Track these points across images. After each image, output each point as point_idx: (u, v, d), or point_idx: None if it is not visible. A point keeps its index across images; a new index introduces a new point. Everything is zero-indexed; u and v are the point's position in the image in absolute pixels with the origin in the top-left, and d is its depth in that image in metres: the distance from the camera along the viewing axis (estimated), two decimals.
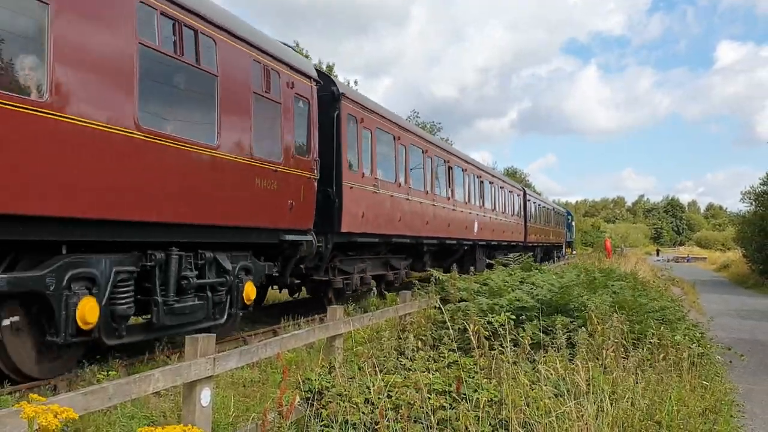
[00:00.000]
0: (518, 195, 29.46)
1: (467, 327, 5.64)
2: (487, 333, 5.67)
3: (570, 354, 5.59)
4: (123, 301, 6.68)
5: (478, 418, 4.13)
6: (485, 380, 4.80)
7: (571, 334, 6.12)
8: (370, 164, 12.71)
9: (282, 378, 4.28)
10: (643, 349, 6.13)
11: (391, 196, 13.55)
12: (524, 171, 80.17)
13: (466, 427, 3.99)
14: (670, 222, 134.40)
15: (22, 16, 5.66)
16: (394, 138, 14.13)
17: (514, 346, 5.40)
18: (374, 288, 13.14)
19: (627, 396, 4.61)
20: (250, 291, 8.83)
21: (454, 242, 18.46)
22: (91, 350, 6.94)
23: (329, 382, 4.64)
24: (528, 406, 4.24)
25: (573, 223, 54.78)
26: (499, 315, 6.27)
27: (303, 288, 12.47)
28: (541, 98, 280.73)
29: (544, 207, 37.66)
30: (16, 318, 5.92)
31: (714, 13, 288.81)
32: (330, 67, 35.52)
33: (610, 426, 4.16)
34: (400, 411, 4.10)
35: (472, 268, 18.25)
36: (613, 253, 38.07)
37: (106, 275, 6.47)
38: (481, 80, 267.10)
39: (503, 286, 8.09)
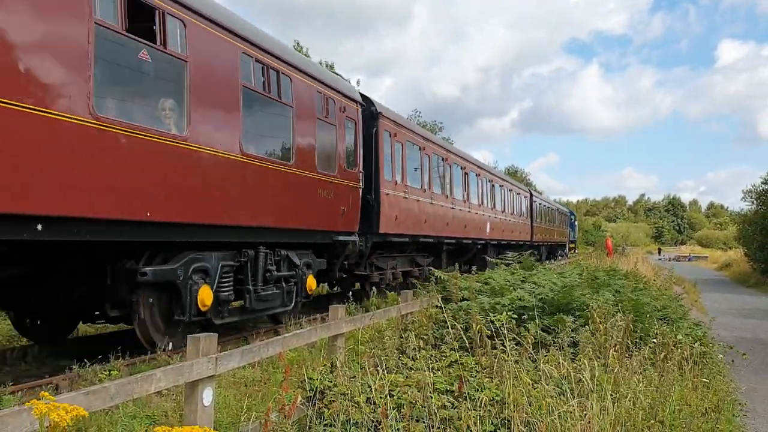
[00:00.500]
0: (525, 197, 30.87)
1: (469, 326, 5.64)
2: (488, 332, 5.67)
3: (572, 353, 5.58)
4: (226, 289, 8.31)
5: (480, 417, 4.13)
6: (487, 379, 4.79)
7: (574, 333, 6.11)
8: (402, 173, 14.36)
9: (284, 377, 4.28)
10: (645, 348, 6.12)
11: (418, 200, 15.18)
12: (525, 170, 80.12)
13: (468, 427, 3.99)
14: (672, 221, 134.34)
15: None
16: (420, 149, 15.84)
17: (516, 345, 5.39)
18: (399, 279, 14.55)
19: (629, 395, 4.60)
20: (311, 283, 10.54)
21: (470, 242, 20.00)
22: (203, 328, 8.09)
23: (331, 382, 4.64)
24: (530, 405, 4.24)
25: (576, 223, 55.31)
26: (501, 314, 6.27)
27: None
28: (543, 97, 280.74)
29: (548, 208, 38.86)
30: (151, 301, 7.46)
31: (715, 12, 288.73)
32: (330, 66, 35.57)
33: (612, 425, 4.15)
34: (402, 410, 4.10)
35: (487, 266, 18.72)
36: (614, 252, 38.08)
37: (215, 268, 8.08)
38: (483, 79, 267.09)
39: (505, 285, 8.08)
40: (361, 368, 4.91)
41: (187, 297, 7.50)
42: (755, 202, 30.87)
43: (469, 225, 19.72)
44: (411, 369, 5.08)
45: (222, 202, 7.81)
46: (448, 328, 6.14)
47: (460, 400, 4.31)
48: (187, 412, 3.77)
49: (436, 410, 4.17)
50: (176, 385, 3.62)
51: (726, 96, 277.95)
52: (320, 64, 33.43)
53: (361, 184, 11.98)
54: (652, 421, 4.41)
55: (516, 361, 4.99)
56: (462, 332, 5.95)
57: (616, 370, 5.06)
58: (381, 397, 4.29)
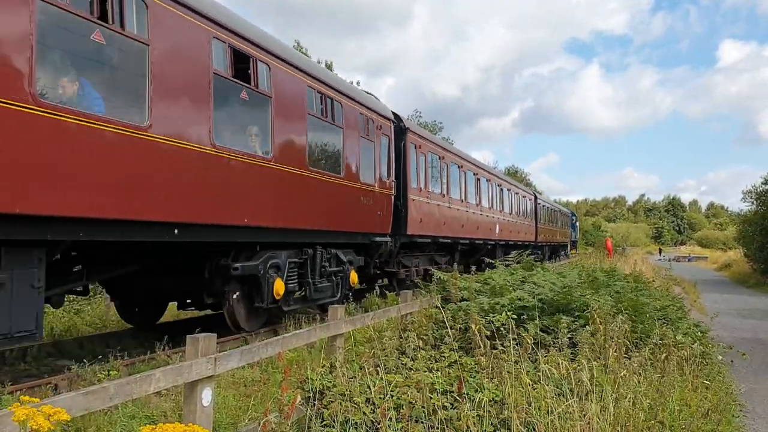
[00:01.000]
0: (530, 199, 32.36)
1: (468, 326, 5.63)
2: (488, 332, 5.66)
3: (572, 354, 5.57)
4: (292, 281, 9.89)
5: (480, 417, 4.12)
6: (487, 380, 4.78)
7: (573, 333, 6.10)
8: (425, 180, 15.97)
9: (283, 377, 4.27)
10: (645, 349, 6.11)
11: (438, 205, 16.80)
12: (525, 170, 79.96)
13: (468, 427, 3.98)
14: (671, 221, 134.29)
15: None
16: (440, 158, 17.49)
17: (516, 345, 5.38)
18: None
19: (629, 395, 4.59)
20: (353, 277, 12.09)
21: (481, 242, 21.55)
22: (274, 315, 10.20)
23: (330, 382, 4.63)
24: (530, 405, 4.23)
25: (577, 224, 55.90)
26: (501, 314, 6.26)
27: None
28: (543, 97, 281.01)
29: (551, 209, 40.15)
30: (238, 292, 8.93)
31: (716, 13, 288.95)
32: (329, 65, 35.59)
33: (612, 425, 4.15)
34: (402, 411, 4.09)
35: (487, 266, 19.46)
36: (614, 252, 38.06)
37: (284, 264, 9.63)
38: (483, 79, 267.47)
39: (504, 285, 8.07)
40: (361, 368, 4.91)
41: (265, 288, 9.10)
42: (755, 202, 30.86)
43: (481, 227, 21.31)
44: (410, 369, 5.07)
45: (293, 210, 9.43)
46: (447, 328, 6.13)
47: (460, 400, 4.30)
48: (186, 412, 3.76)
49: (435, 411, 4.16)
50: (175, 385, 3.62)
51: (727, 96, 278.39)
52: (319, 62, 33.49)
53: (393, 191, 13.67)
54: (652, 422, 4.40)
55: (516, 362, 4.98)
56: (461, 332, 5.95)
57: (616, 371, 5.06)
58: (380, 398, 4.29)
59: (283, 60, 9.19)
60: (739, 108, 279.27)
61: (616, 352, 5.52)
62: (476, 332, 5.48)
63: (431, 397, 4.27)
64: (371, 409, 4.19)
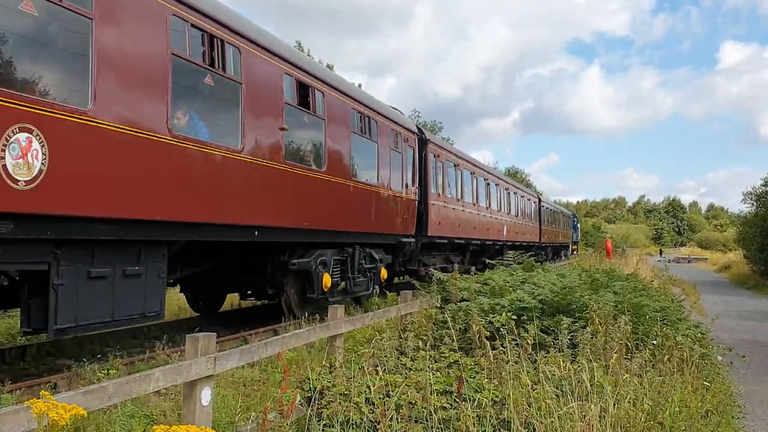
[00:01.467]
0: (534, 202, 33.94)
1: (468, 327, 5.62)
2: (488, 333, 5.66)
3: (572, 354, 5.57)
4: (335, 276, 11.35)
5: (480, 418, 4.12)
6: (486, 380, 4.78)
7: (574, 334, 6.09)
8: (442, 186, 17.40)
9: (282, 377, 4.26)
10: (645, 350, 6.10)
11: (453, 208, 18.26)
12: (525, 171, 79.87)
13: (468, 428, 3.97)
14: (671, 222, 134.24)
15: None
16: (455, 165, 19.04)
17: (516, 346, 5.38)
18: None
19: (629, 396, 4.59)
20: (384, 274, 13.71)
21: (491, 242, 23.04)
22: (322, 308, 10.52)
23: (330, 382, 4.62)
24: (530, 406, 4.22)
25: (578, 225, 56.46)
26: (501, 315, 6.26)
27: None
28: (544, 98, 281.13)
29: (554, 211, 41.65)
30: (293, 284, 10.52)
31: (718, 14, 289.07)
32: (330, 67, 35.62)
33: (612, 427, 4.14)
34: (401, 411, 4.08)
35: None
36: (613, 253, 38.05)
37: (330, 261, 11.15)
38: (484, 79, 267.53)
39: (504, 286, 8.07)
40: (360, 368, 4.90)
41: (316, 281, 10.59)
42: (755, 204, 30.86)
43: (491, 228, 22.82)
44: (410, 369, 5.06)
45: (339, 215, 11.03)
46: (447, 328, 6.13)
47: (460, 400, 4.29)
48: (185, 412, 3.75)
49: (435, 411, 4.15)
50: (175, 384, 3.61)
51: (728, 97, 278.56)
52: (321, 62, 33.54)
53: (416, 197, 15.18)
54: (652, 423, 4.40)
55: (515, 362, 4.97)
56: (461, 333, 5.94)
57: (616, 372, 5.05)
58: (380, 398, 4.28)
59: (334, 87, 11.03)
60: (740, 109, 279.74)
61: (617, 353, 5.51)
62: (476, 333, 5.48)
63: (431, 398, 4.26)
64: (371, 409, 4.18)
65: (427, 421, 4.10)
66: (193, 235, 7.35)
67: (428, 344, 6.08)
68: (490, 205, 23.01)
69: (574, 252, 48.92)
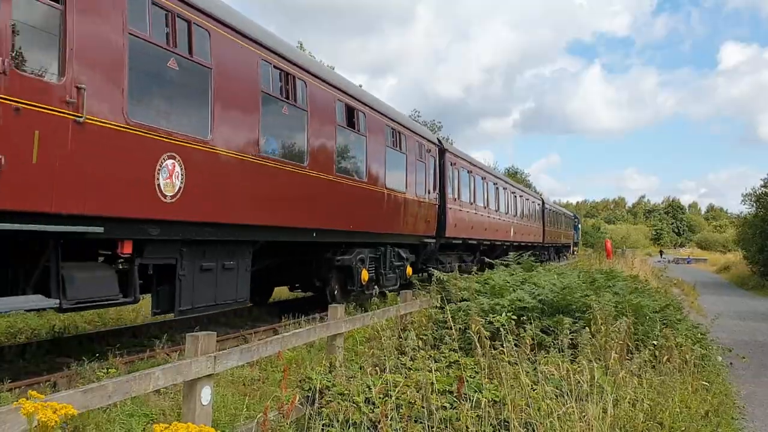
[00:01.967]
0: (538, 204, 35.32)
1: (468, 327, 5.62)
2: (488, 333, 5.65)
3: (572, 355, 5.56)
4: (371, 271, 12.83)
5: (479, 418, 4.12)
6: (486, 380, 4.78)
7: (574, 334, 6.09)
8: (458, 191, 18.90)
9: (283, 377, 4.26)
10: (645, 351, 6.10)
11: (467, 211, 19.81)
12: (525, 171, 79.74)
13: (467, 427, 3.97)
14: (671, 223, 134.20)
15: None
16: (468, 172, 20.54)
17: (516, 346, 5.38)
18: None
19: (629, 397, 4.59)
20: (409, 271, 14.93)
21: (500, 243, 24.49)
22: (360, 304, 12.82)
23: (330, 381, 4.62)
24: (529, 406, 4.22)
25: (580, 226, 57.02)
26: (501, 315, 6.25)
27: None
28: (545, 98, 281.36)
29: (556, 212, 42.95)
30: (336, 279, 11.96)
31: (719, 15, 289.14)
32: (330, 68, 35.66)
33: (612, 427, 4.14)
34: (401, 410, 4.08)
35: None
36: (613, 254, 38.05)
37: (366, 258, 12.69)
38: (486, 80, 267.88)
39: (505, 286, 8.06)
40: (360, 368, 4.90)
41: (356, 275, 12.09)
42: (755, 205, 30.86)
43: (499, 230, 24.31)
44: (410, 369, 5.06)
45: (377, 218, 12.64)
46: (447, 328, 6.12)
47: (459, 400, 4.29)
48: (185, 411, 3.75)
49: (435, 411, 4.15)
50: (175, 383, 3.61)
51: (728, 98, 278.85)
52: (322, 62, 33.57)
53: (437, 201, 16.75)
54: (652, 423, 4.40)
55: (515, 362, 4.97)
56: (461, 333, 5.94)
57: (616, 372, 5.05)
58: (380, 398, 4.28)
59: (374, 109, 12.76)
60: (740, 110, 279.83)
61: (617, 353, 5.51)
62: (476, 333, 5.47)
63: (431, 397, 4.26)
64: (371, 408, 4.18)
65: (427, 420, 4.10)
66: (270, 236, 8.98)
67: (428, 344, 6.09)
68: (498, 207, 24.55)
69: (575, 252, 49.34)
